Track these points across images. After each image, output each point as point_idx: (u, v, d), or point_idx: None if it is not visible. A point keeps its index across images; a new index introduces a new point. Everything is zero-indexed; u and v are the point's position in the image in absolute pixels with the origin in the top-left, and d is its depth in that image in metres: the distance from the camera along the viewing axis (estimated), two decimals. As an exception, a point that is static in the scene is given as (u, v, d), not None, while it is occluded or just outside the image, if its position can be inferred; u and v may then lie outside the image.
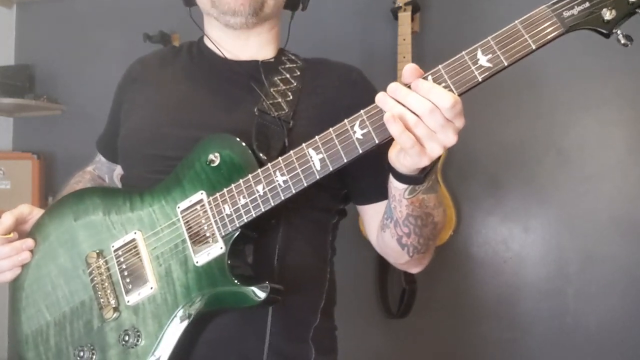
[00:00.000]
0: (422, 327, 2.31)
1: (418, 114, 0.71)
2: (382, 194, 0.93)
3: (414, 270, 1.01)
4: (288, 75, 1.03)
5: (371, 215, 1.02)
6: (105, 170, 1.23)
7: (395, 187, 0.84)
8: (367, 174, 1.00)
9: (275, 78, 1.02)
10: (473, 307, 2.27)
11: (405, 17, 2.23)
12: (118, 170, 1.20)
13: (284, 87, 1.01)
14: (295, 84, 1.01)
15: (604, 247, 2.13)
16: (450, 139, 0.72)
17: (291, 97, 0.99)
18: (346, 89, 1.03)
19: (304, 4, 1.13)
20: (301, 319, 0.97)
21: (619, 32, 0.72)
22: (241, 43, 1.06)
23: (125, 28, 2.75)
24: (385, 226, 0.93)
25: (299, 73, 1.04)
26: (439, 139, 0.72)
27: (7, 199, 2.72)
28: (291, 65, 1.05)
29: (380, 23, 2.41)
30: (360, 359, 2.30)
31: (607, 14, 0.70)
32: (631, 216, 2.11)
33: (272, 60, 1.06)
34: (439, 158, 0.78)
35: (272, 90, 1.00)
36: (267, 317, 0.93)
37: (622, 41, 0.72)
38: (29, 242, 0.98)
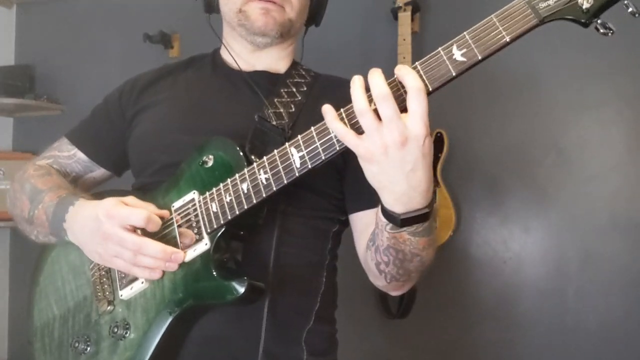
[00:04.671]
0: (422, 327, 2.31)
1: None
2: (368, 201, 0.93)
3: (393, 293, 1.00)
4: (294, 89, 1.06)
5: (358, 228, 1.02)
6: (78, 168, 1.18)
7: (379, 216, 0.83)
8: (357, 180, 1.00)
9: (282, 90, 1.05)
10: (473, 308, 2.27)
11: (405, 17, 2.23)
12: (95, 174, 1.17)
13: (288, 100, 1.03)
14: (299, 98, 1.04)
15: (604, 247, 2.13)
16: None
17: (293, 110, 1.01)
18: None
19: (318, 21, 1.16)
20: (293, 321, 0.98)
21: (599, 21, 0.69)
22: (259, 55, 1.09)
23: (125, 28, 2.76)
24: (368, 247, 0.94)
25: (305, 88, 1.06)
26: None
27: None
28: (299, 80, 1.08)
29: (380, 23, 2.41)
30: (360, 359, 2.30)
31: (585, 3, 0.68)
32: (631, 216, 2.11)
33: (283, 73, 1.10)
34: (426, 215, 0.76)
35: (276, 100, 1.02)
36: (261, 318, 0.93)
37: (601, 30, 0.70)
38: (179, 256, 0.88)
